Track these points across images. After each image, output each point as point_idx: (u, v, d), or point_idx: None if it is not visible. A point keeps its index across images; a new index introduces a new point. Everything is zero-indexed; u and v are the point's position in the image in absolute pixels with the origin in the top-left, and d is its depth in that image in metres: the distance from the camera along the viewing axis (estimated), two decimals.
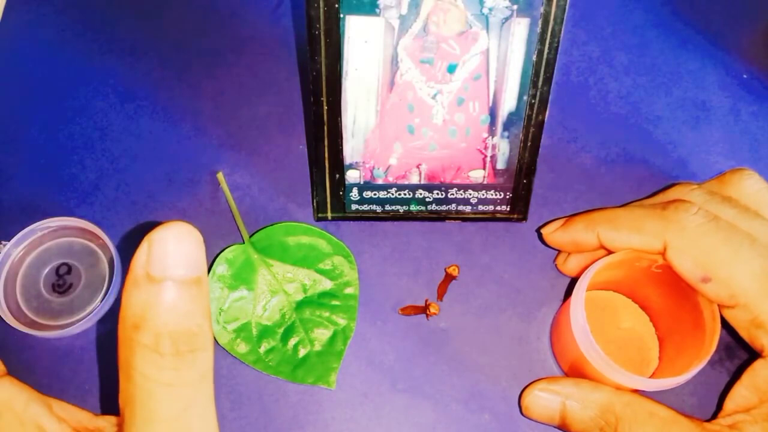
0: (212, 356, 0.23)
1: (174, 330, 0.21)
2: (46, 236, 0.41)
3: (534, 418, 0.37)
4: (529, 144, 0.38)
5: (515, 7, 0.34)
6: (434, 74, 0.36)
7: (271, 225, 0.41)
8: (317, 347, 0.39)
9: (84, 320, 0.38)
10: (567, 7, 0.34)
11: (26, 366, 0.39)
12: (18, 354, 0.39)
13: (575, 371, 0.37)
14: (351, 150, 0.38)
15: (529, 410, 0.37)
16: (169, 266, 0.22)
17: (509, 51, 0.35)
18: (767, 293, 0.32)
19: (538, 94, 0.37)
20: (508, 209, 0.41)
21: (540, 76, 0.36)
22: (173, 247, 0.22)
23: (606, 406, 0.34)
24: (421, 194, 0.40)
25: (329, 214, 0.41)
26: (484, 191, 0.40)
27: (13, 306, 0.39)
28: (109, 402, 0.38)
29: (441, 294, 0.41)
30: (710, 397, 0.38)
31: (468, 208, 0.41)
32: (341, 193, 0.40)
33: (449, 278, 0.41)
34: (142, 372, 0.21)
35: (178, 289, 0.22)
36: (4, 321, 0.38)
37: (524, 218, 0.41)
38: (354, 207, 0.41)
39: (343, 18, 0.34)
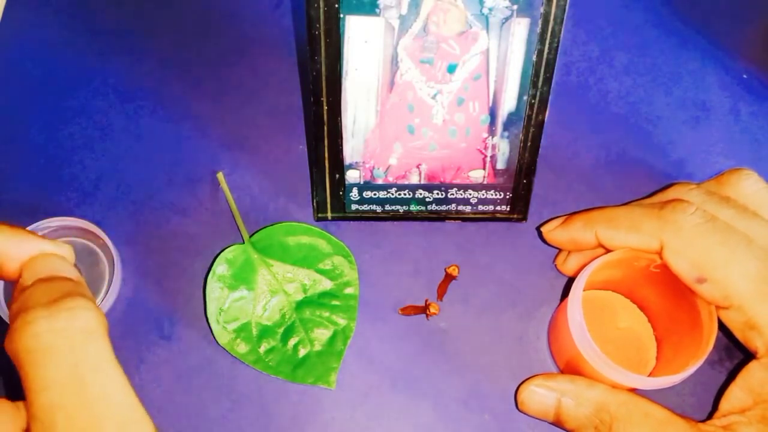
0: (99, 319, 0.23)
1: (47, 300, 0.22)
2: (46, 236, 0.41)
3: (529, 413, 0.37)
4: (529, 144, 0.38)
5: (515, 7, 0.34)
6: (434, 74, 0.36)
7: (271, 225, 0.41)
8: (317, 347, 0.39)
9: None
10: (567, 7, 0.34)
11: None
12: None
13: (571, 369, 0.37)
14: (351, 150, 0.38)
15: (524, 405, 0.37)
16: (38, 273, 0.24)
17: (509, 51, 0.35)
18: (761, 295, 0.32)
19: (538, 94, 0.37)
20: (508, 209, 0.41)
21: (540, 76, 0.36)
22: (40, 262, 0.24)
23: (601, 405, 0.34)
24: (421, 194, 0.40)
25: (329, 214, 0.41)
26: (484, 191, 0.40)
27: None
28: None
29: (441, 294, 0.41)
30: (709, 397, 0.38)
31: (468, 208, 0.41)
32: (341, 193, 0.40)
33: (449, 278, 0.41)
34: (26, 347, 0.21)
35: (49, 283, 0.23)
36: (4, 321, 0.38)
37: (524, 218, 0.41)
38: (354, 207, 0.41)
39: (343, 18, 0.34)
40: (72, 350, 0.21)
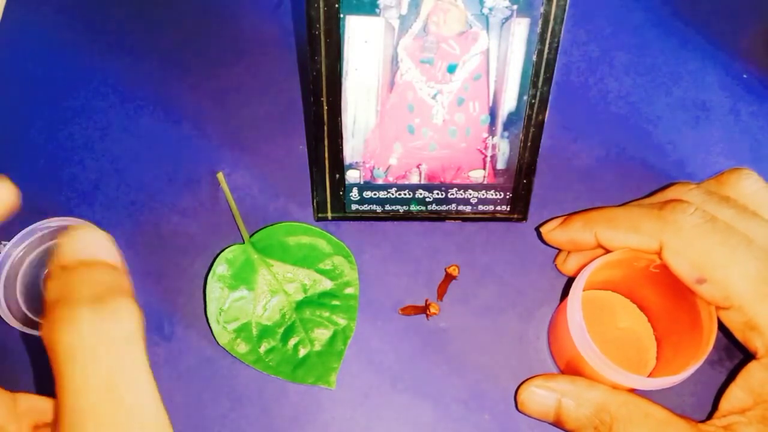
0: (139, 322, 0.22)
1: (91, 295, 0.21)
2: (46, 236, 0.41)
3: (529, 413, 0.37)
4: (529, 144, 0.38)
5: (515, 7, 0.34)
6: (434, 74, 0.36)
7: (271, 225, 0.41)
8: (317, 347, 0.39)
9: None
10: (567, 7, 0.34)
11: (26, 366, 0.39)
12: (18, 354, 0.39)
13: (571, 370, 0.37)
14: (351, 150, 0.38)
15: (524, 406, 0.37)
16: (80, 253, 0.23)
17: (509, 51, 0.35)
18: (761, 296, 0.32)
19: (538, 94, 0.37)
20: (508, 209, 0.41)
21: (540, 76, 0.36)
22: (83, 238, 0.23)
23: (601, 406, 0.34)
24: (421, 194, 0.40)
25: (329, 214, 0.41)
26: (484, 191, 0.40)
27: (13, 306, 0.39)
28: None
29: (441, 294, 0.41)
30: (710, 397, 0.38)
31: (468, 208, 0.41)
32: (341, 193, 0.40)
33: (449, 278, 0.41)
34: (65, 343, 0.21)
35: (93, 268, 0.22)
36: (4, 321, 0.38)
37: (524, 218, 0.41)
38: (354, 207, 0.41)
39: (343, 18, 0.34)
40: (112, 356, 0.21)
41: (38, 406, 0.33)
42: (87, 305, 0.21)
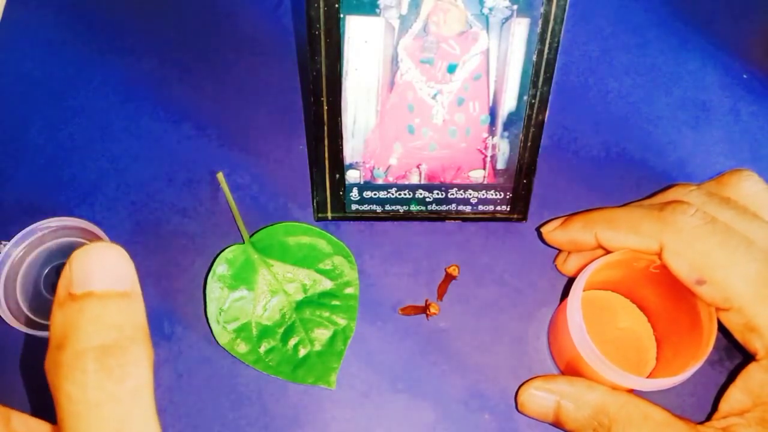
0: (149, 368, 0.21)
1: (99, 345, 0.20)
2: (46, 236, 0.41)
3: (529, 415, 0.37)
4: (529, 144, 0.38)
5: (515, 7, 0.34)
6: (434, 74, 0.36)
7: (271, 225, 0.41)
8: (317, 347, 0.39)
9: None
10: (567, 7, 0.34)
11: (26, 366, 0.39)
12: (18, 354, 0.39)
13: (571, 370, 0.37)
14: (351, 150, 0.38)
15: (524, 407, 0.37)
16: (91, 281, 0.21)
17: (509, 51, 0.35)
18: (761, 297, 0.32)
19: (538, 94, 0.37)
20: (508, 209, 0.41)
21: (540, 76, 0.36)
22: (94, 262, 0.21)
23: (600, 407, 0.34)
24: (421, 194, 0.40)
25: (329, 214, 0.41)
26: (484, 191, 0.40)
27: (13, 306, 0.39)
28: None
29: (441, 294, 0.41)
30: (709, 397, 0.38)
31: (468, 208, 0.41)
32: (341, 193, 0.40)
33: (449, 278, 0.41)
34: (68, 394, 0.20)
35: (103, 303, 0.21)
36: (4, 321, 0.38)
37: (524, 218, 0.41)
38: (354, 207, 0.41)
39: (343, 18, 0.34)
40: (118, 412, 0.20)
41: (33, 429, 0.32)
42: (94, 357, 0.20)
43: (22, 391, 0.38)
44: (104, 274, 0.21)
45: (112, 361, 0.20)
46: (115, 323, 0.21)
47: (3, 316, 0.38)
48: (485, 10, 0.34)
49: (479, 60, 0.36)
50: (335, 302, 0.40)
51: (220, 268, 0.39)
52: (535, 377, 0.37)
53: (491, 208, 0.41)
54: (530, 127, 0.38)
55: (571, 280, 0.40)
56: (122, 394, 0.20)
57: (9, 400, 0.38)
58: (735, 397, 0.34)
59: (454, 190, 0.40)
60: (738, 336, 0.34)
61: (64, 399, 0.20)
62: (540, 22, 0.34)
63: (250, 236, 0.41)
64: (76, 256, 0.21)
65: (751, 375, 0.33)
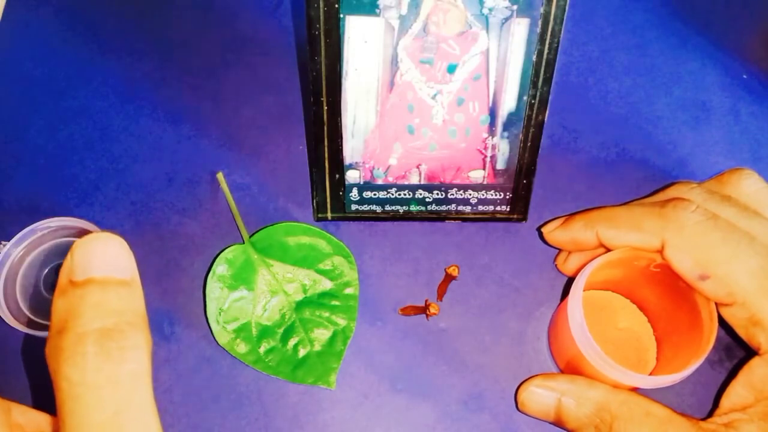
0: (147, 354, 0.21)
1: (99, 328, 0.21)
2: (46, 236, 0.41)
3: (529, 413, 0.37)
4: (529, 144, 0.38)
5: (515, 7, 0.34)
6: (434, 74, 0.36)
7: (271, 225, 0.41)
8: (317, 347, 0.39)
9: None
10: (567, 7, 0.34)
11: (26, 366, 0.39)
12: (18, 354, 0.39)
13: (572, 369, 0.37)
14: (351, 150, 0.38)
15: (524, 405, 0.37)
16: (92, 268, 0.22)
17: (509, 51, 0.35)
18: (765, 291, 0.32)
19: (538, 94, 0.37)
20: (508, 209, 0.41)
21: (540, 76, 0.36)
22: (95, 251, 0.22)
23: (601, 404, 0.34)
24: (421, 194, 0.40)
25: (329, 215, 0.41)
26: (484, 191, 0.40)
27: (13, 306, 0.39)
28: None
29: (441, 294, 0.41)
30: (710, 397, 0.38)
31: (468, 209, 0.41)
32: (341, 193, 0.40)
33: (449, 278, 0.41)
34: (67, 377, 0.20)
35: (103, 289, 0.21)
36: (4, 321, 0.38)
37: (524, 218, 0.41)
38: (354, 207, 0.41)
39: (343, 18, 0.34)
40: (117, 397, 0.21)
41: (33, 419, 0.32)
42: (94, 340, 0.21)
43: (22, 390, 0.38)
44: (105, 262, 0.22)
45: (112, 344, 0.21)
46: (115, 308, 0.21)
47: (3, 316, 0.38)
48: (485, 11, 0.34)
49: (479, 60, 0.36)
50: (335, 302, 0.40)
51: (220, 268, 0.39)
52: (535, 375, 0.37)
53: (491, 208, 0.41)
54: (530, 127, 0.38)
55: (570, 280, 0.40)
56: (121, 377, 0.21)
57: (9, 399, 0.38)
58: (737, 392, 0.34)
59: (453, 191, 0.40)
60: (741, 331, 0.34)
61: (63, 382, 0.20)
62: (540, 22, 0.34)
63: (250, 236, 0.41)
64: (78, 245, 0.22)
65: (753, 370, 0.33)
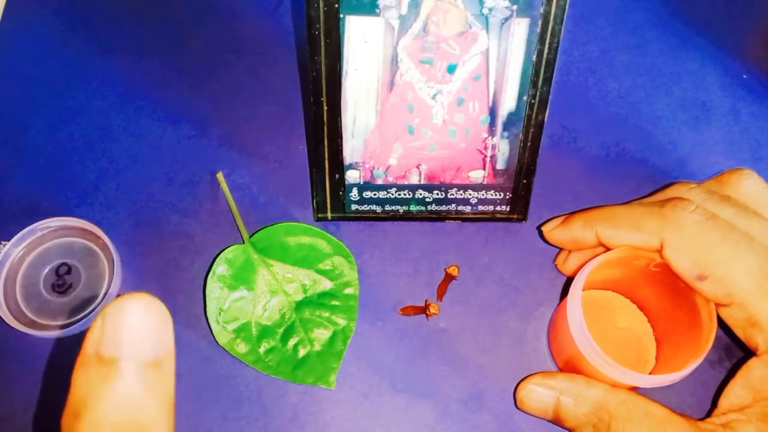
0: None
1: (117, 422, 0.19)
2: (46, 236, 0.41)
3: (528, 411, 0.37)
4: (529, 144, 0.38)
5: (515, 7, 0.34)
6: (434, 74, 0.36)
7: (271, 225, 0.41)
8: (317, 347, 0.39)
9: (84, 320, 0.38)
10: (567, 7, 0.34)
11: (26, 366, 0.39)
12: (18, 354, 0.39)
13: (571, 368, 0.37)
14: (351, 150, 0.38)
15: (523, 403, 0.37)
16: (123, 345, 0.19)
17: (509, 51, 0.35)
18: (763, 292, 0.32)
19: (538, 94, 0.37)
20: (508, 209, 0.41)
21: (540, 76, 0.36)
22: (129, 323, 0.20)
23: (600, 404, 0.34)
24: (420, 194, 0.40)
25: (329, 215, 0.41)
26: (484, 191, 0.40)
27: (13, 306, 0.39)
28: None
29: (441, 294, 0.41)
30: (709, 397, 0.38)
31: (468, 209, 0.41)
32: (341, 193, 0.40)
33: (449, 278, 0.41)
34: None
35: (131, 374, 0.19)
36: (4, 321, 0.38)
37: (524, 218, 0.41)
38: (354, 207, 0.41)
39: (343, 18, 0.34)
40: None
41: None
42: None
43: (22, 391, 0.38)
44: (139, 336, 0.20)
45: None
46: (138, 400, 0.19)
47: (3, 316, 0.38)
48: (485, 10, 0.34)
49: (479, 60, 0.36)
50: (335, 302, 0.40)
51: (220, 268, 0.39)
52: (534, 373, 0.37)
53: (491, 208, 0.41)
54: (530, 127, 0.38)
55: (570, 280, 0.40)
56: None
57: (9, 400, 0.38)
58: (735, 392, 0.34)
59: (453, 191, 0.40)
60: (739, 332, 0.34)
61: None
62: (540, 22, 0.34)
63: (250, 236, 0.41)
64: (112, 312, 0.20)
65: (751, 370, 0.33)
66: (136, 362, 0.19)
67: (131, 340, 0.19)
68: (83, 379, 0.19)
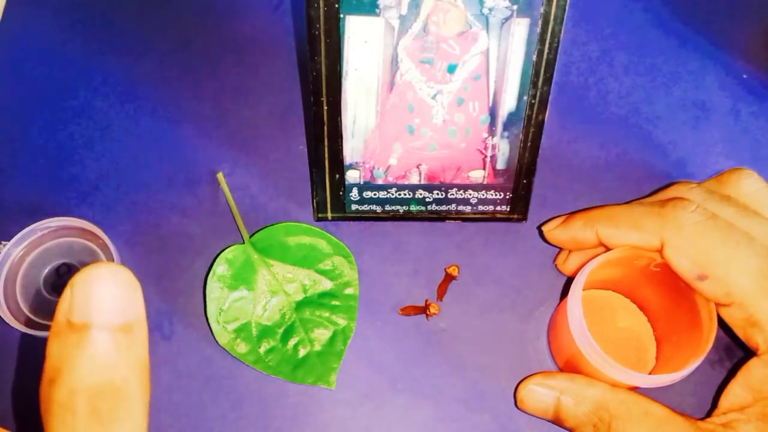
0: (142, 411, 0.20)
1: (92, 384, 0.19)
2: (46, 236, 0.41)
3: (528, 411, 0.37)
4: (529, 144, 0.38)
5: (515, 7, 0.34)
6: (434, 74, 0.36)
7: (271, 225, 0.41)
8: (317, 347, 0.39)
9: None
10: (567, 7, 0.34)
11: (26, 366, 0.39)
12: (18, 354, 0.39)
13: (571, 368, 0.37)
14: (351, 150, 0.38)
15: (523, 403, 0.37)
16: (92, 310, 0.20)
17: (509, 51, 0.35)
18: (763, 292, 0.32)
19: (538, 94, 0.37)
20: (508, 209, 0.41)
21: (540, 76, 0.36)
22: (97, 290, 0.20)
23: (600, 403, 0.34)
24: (421, 194, 0.40)
25: (329, 214, 0.41)
26: (484, 191, 0.40)
27: (13, 306, 0.39)
28: None
29: (441, 294, 0.41)
30: (709, 397, 0.38)
31: (468, 209, 0.41)
32: (341, 193, 0.40)
33: (449, 278, 0.41)
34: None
35: (101, 339, 0.20)
36: (4, 321, 0.38)
37: (524, 218, 0.41)
38: (354, 207, 0.41)
39: (343, 18, 0.34)
40: None
41: None
42: (86, 398, 0.19)
43: (22, 391, 0.38)
44: (107, 303, 0.20)
45: (104, 404, 0.19)
46: (111, 362, 0.20)
47: (3, 316, 0.38)
48: (485, 10, 0.34)
49: (479, 60, 0.36)
50: (335, 302, 0.40)
51: (220, 268, 0.39)
52: (535, 373, 0.37)
53: (491, 208, 0.41)
54: (530, 127, 0.38)
55: (570, 280, 0.40)
56: None
57: (9, 400, 0.38)
58: (735, 392, 0.34)
59: (453, 191, 0.40)
60: (739, 332, 0.34)
61: None
62: (540, 22, 0.34)
63: (250, 236, 0.41)
64: (78, 281, 0.20)
65: (751, 370, 0.33)
66: (107, 327, 0.20)
67: (100, 306, 0.20)
68: (57, 347, 0.20)
